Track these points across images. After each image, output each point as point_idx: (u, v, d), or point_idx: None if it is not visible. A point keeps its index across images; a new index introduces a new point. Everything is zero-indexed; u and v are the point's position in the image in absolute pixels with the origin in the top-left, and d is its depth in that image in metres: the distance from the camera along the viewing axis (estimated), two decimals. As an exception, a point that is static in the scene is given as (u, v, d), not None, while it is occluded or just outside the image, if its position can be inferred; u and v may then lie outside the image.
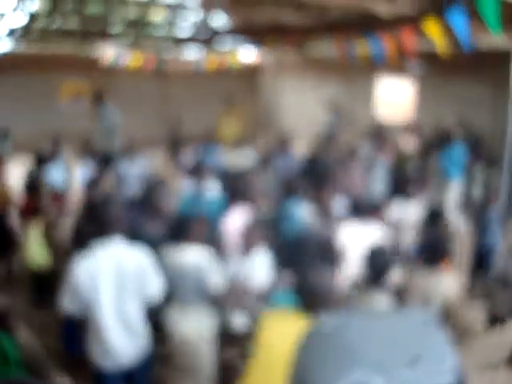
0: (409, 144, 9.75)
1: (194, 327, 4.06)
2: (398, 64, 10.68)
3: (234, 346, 4.36)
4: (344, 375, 2.59)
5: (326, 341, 2.88)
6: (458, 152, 8.69)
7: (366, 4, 7.39)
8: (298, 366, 2.97)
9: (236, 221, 4.93)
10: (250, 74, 17.77)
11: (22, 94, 14.41)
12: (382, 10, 7.44)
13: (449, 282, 4.24)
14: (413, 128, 10.81)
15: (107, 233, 3.68)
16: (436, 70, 12.41)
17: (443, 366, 2.70)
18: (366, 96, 14.61)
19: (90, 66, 15.53)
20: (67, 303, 3.67)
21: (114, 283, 3.61)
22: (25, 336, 4.67)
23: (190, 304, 4.06)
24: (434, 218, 5.21)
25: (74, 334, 4.55)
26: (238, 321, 4.27)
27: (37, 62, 14.86)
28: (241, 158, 8.59)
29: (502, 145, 8.24)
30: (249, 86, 17.67)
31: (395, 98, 15.07)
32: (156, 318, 4.04)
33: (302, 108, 14.94)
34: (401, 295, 4.17)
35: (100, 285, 3.57)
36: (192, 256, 4.10)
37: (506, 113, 6.60)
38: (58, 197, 7.67)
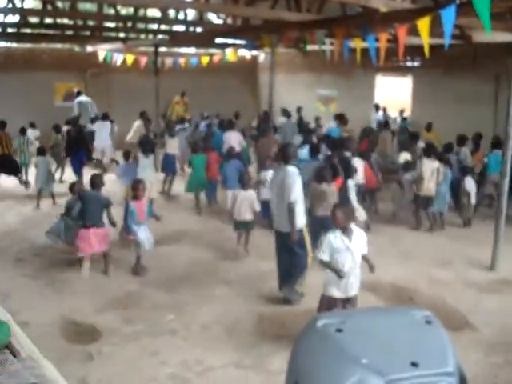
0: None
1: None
2: (395, 61, 10.59)
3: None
4: (344, 377, 2.45)
5: (325, 340, 2.74)
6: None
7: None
8: (296, 363, 2.82)
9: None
10: (249, 69, 17.85)
11: (17, 92, 14.26)
12: (381, 5, 7.32)
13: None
14: None
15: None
16: (435, 65, 12.28)
17: (444, 368, 2.55)
18: (365, 93, 14.48)
19: (83, 63, 15.40)
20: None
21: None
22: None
23: None
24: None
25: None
26: None
27: (30, 59, 14.69)
28: None
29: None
30: (248, 80, 17.85)
31: (393, 95, 14.95)
32: None
33: (295, 104, 14.84)
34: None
35: None
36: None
37: (509, 107, 6.44)
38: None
